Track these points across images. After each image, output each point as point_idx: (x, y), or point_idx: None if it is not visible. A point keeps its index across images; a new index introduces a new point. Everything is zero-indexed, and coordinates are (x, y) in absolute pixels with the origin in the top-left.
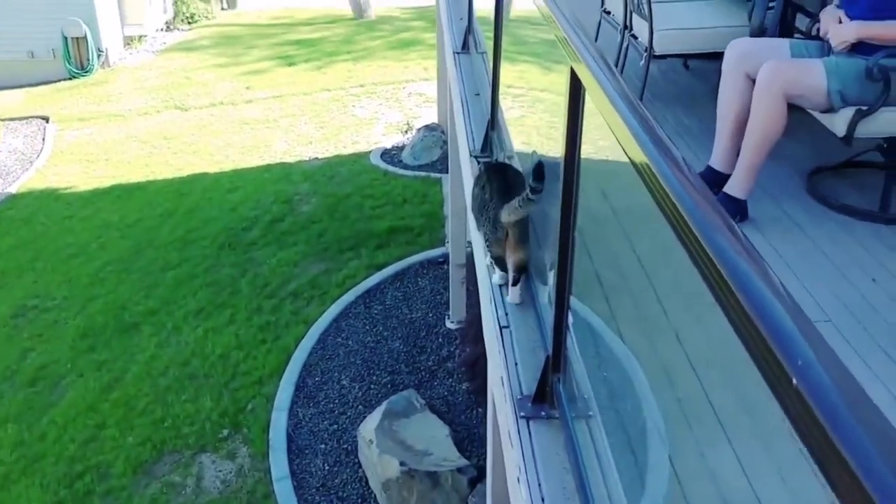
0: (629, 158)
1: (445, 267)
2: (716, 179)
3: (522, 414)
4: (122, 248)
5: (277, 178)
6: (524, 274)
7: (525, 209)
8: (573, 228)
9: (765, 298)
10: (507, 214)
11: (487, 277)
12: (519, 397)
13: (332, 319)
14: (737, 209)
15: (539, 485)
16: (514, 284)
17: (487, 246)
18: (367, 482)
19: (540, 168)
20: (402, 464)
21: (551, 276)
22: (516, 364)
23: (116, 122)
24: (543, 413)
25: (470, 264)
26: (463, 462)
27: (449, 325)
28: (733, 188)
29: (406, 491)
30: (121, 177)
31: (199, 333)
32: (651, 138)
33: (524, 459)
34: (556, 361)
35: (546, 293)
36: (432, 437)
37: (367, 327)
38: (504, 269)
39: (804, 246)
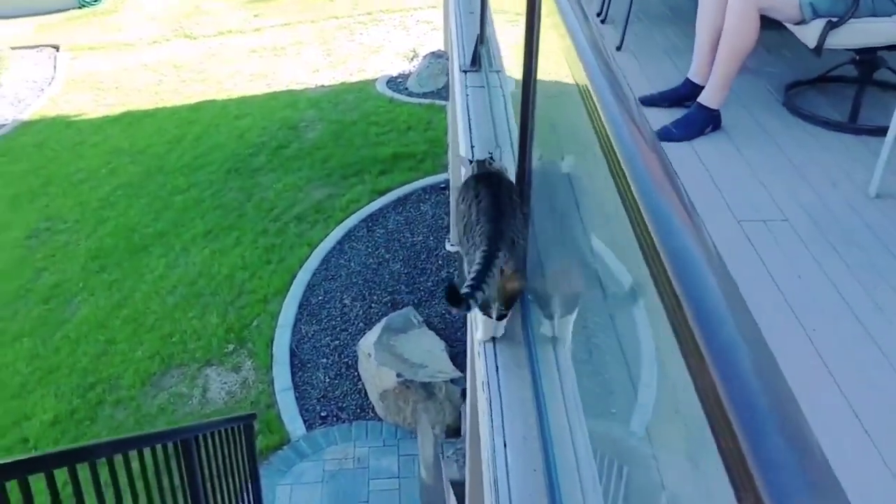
0: (573, 77)
1: (447, 192)
2: (693, 91)
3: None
4: (131, 174)
5: (284, 105)
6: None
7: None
8: (529, 150)
9: (672, 224)
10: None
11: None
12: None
13: (335, 242)
14: (710, 118)
15: (500, 395)
16: (500, 319)
17: (472, 286)
18: (365, 393)
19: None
20: (398, 375)
21: (559, 312)
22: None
23: (126, 50)
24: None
25: None
26: (457, 374)
27: (449, 248)
28: (706, 98)
29: (402, 400)
30: (130, 104)
31: (207, 254)
32: (596, 57)
33: (487, 372)
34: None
35: (550, 327)
36: (428, 352)
37: (370, 250)
38: (489, 312)
39: (770, 151)
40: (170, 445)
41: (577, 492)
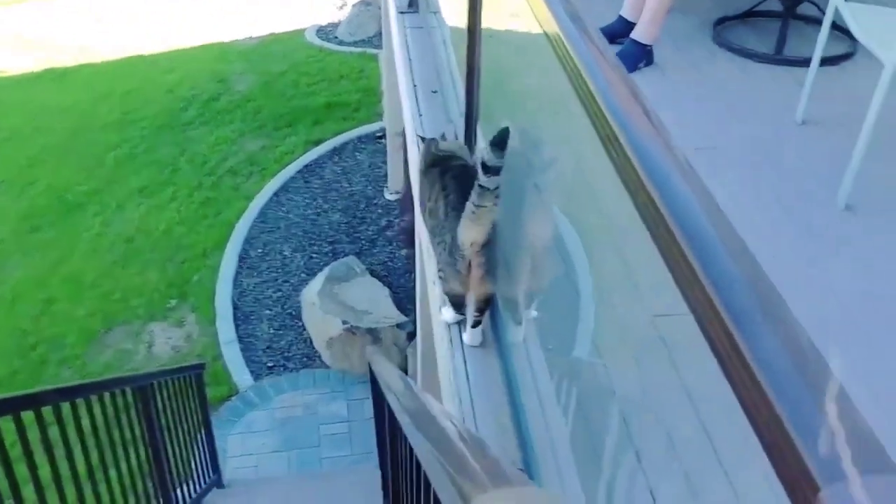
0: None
1: (383, 141)
2: (626, 28)
3: None
4: (59, 131)
5: (213, 57)
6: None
7: (486, 211)
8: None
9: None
10: (466, 230)
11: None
12: None
13: (272, 194)
14: (642, 54)
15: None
16: (475, 326)
17: (441, 278)
18: (311, 342)
19: (502, 136)
20: (344, 322)
21: (529, 313)
22: None
23: (45, 2)
24: None
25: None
26: (402, 318)
27: (388, 196)
28: (639, 34)
29: (349, 346)
30: (53, 60)
31: (143, 211)
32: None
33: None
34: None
35: (519, 332)
36: (372, 299)
37: (307, 201)
38: (461, 309)
39: (702, 83)
40: (128, 391)
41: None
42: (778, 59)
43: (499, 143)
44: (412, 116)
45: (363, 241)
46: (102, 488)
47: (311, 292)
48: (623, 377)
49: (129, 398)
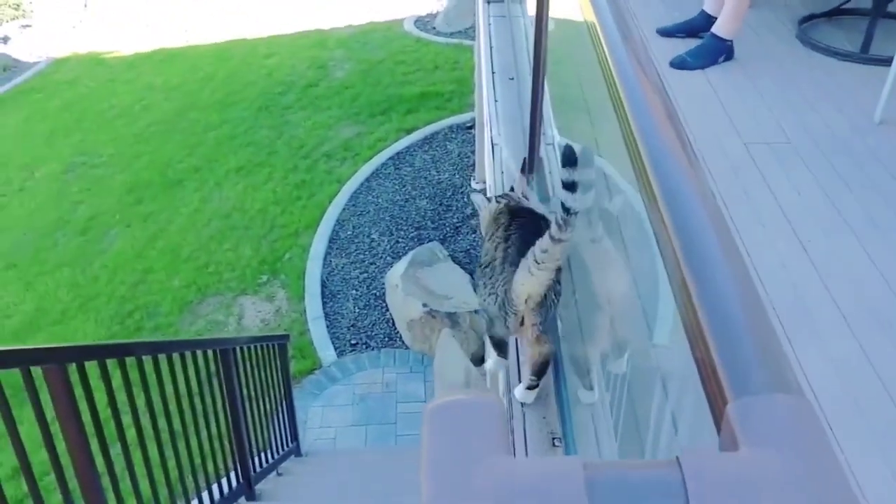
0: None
1: (472, 131)
2: (708, 22)
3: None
4: (164, 110)
5: (312, 44)
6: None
7: (550, 261)
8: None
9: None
10: (523, 282)
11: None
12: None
13: (363, 179)
14: (723, 48)
15: None
16: (531, 388)
17: (485, 320)
18: (393, 323)
19: (568, 155)
20: (424, 305)
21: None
22: (502, 172)
23: None
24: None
25: None
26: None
27: (474, 185)
28: (720, 28)
29: (428, 329)
30: (162, 41)
31: (240, 189)
32: None
33: None
34: (530, 164)
35: (590, 396)
36: (453, 284)
37: (397, 187)
38: (503, 349)
39: (780, 80)
40: (210, 353)
41: None
42: (863, 57)
43: (568, 160)
44: (488, 102)
45: (447, 228)
46: (184, 450)
47: (395, 275)
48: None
49: (211, 361)
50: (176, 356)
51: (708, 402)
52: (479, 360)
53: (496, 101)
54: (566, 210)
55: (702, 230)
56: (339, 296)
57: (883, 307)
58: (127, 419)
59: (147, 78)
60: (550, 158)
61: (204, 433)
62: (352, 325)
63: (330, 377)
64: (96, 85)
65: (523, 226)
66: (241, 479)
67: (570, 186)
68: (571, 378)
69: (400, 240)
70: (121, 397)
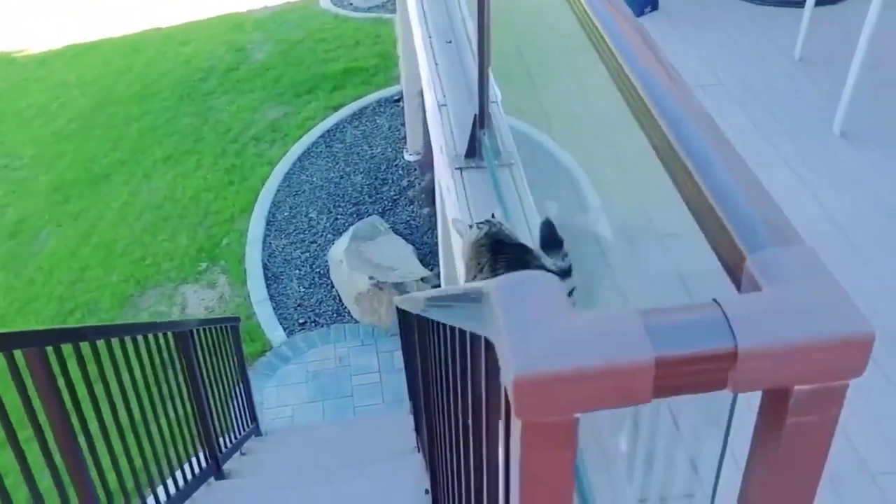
0: None
1: (401, 104)
2: None
3: (457, 166)
4: (82, 106)
5: (229, 28)
6: None
7: None
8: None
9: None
10: None
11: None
12: (453, 155)
13: (295, 159)
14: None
15: (470, 212)
16: None
17: None
18: (340, 299)
19: (547, 233)
20: (370, 278)
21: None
22: (452, 132)
23: None
24: (473, 164)
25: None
26: (426, 273)
27: (408, 157)
28: None
29: (376, 301)
30: (71, 37)
31: (169, 179)
32: None
33: (458, 198)
34: (482, 118)
35: None
36: (397, 255)
37: (330, 164)
38: None
39: (706, 26)
40: (169, 335)
41: None
42: (780, 0)
43: (549, 242)
44: (429, 66)
45: (386, 202)
46: (156, 432)
47: (338, 251)
48: None
49: (171, 344)
50: (139, 339)
51: (723, 263)
52: None
53: (437, 64)
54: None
55: (692, 126)
56: (282, 277)
57: (817, 224)
58: (87, 408)
59: (60, 75)
60: (496, 114)
61: (172, 415)
62: (298, 305)
63: (281, 357)
64: (8, 85)
65: (510, 264)
66: (209, 460)
67: (560, 275)
68: None
69: (339, 216)
70: (81, 391)
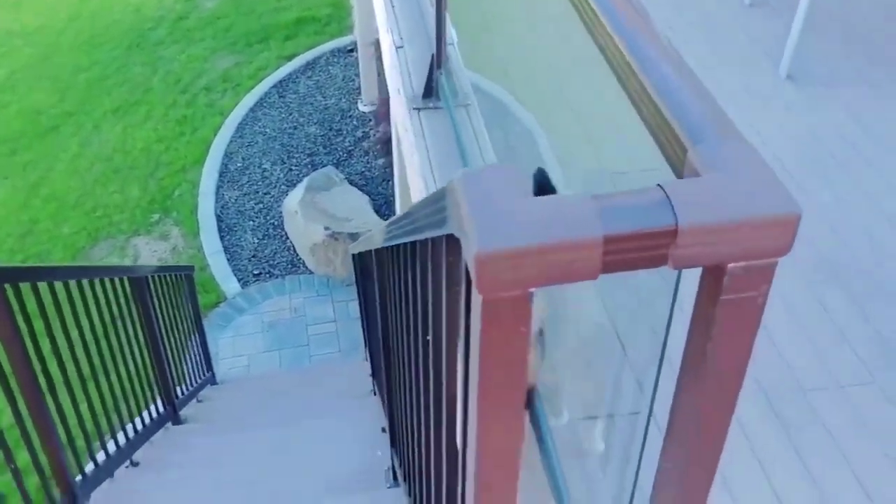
0: None
1: (355, 54)
2: None
3: (414, 106)
4: (27, 56)
5: None
6: None
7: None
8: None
9: None
10: None
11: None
12: (411, 96)
13: (247, 109)
14: None
15: (427, 152)
16: None
17: None
18: (294, 250)
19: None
20: (326, 228)
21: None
22: (409, 74)
23: None
24: (431, 105)
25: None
26: (382, 223)
27: (362, 108)
28: None
29: (331, 252)
30: None
31: (119, 130)
32: None
33: (415, 137)
34: (439, 59)
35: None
36: (352, 206)
37: (283, 115)
38: None
39: None
40: (125, 280)
41: None
42: None
43: (542, 192)
44: (386, 9)
45: (340, 153)
46: (112, 380)
47: (293, 202)
48: None
49: (127, 290)
50: (96, 283)
51: (665, 155)
52: None
53: (393, 6)
54: None
55: (639, 28)
56: (236, 228)
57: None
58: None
59: (2, 24)
60: (452, 56)
61: (130, 363)
62: (253, 256)
63: (236, 308)
64: None
65: None
66: (166, 406)
67: None
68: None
69: (293, 167)
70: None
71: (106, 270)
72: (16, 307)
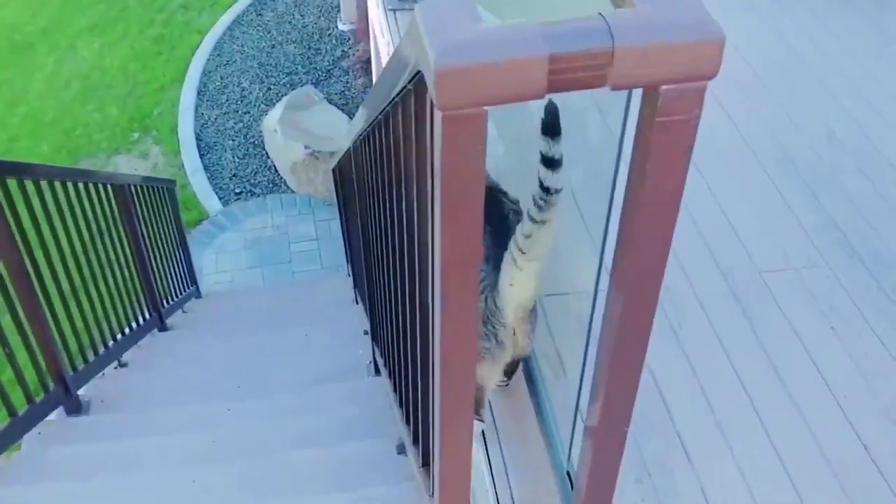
0: None
1: None
2: None
3: (390, 7)
4: None
5: None
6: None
7: (538, 250)
8: None
9: None
10: (512, 287)
11: None
12: None
13: (225, 28)
14: None
15: None
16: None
17: None
18: (275, 169)
19: (551, 117)
20: (306, 147)
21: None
22: None
23: None
24: (407, 6)
25: None
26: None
27: (341, 27)
28: None
29: (312, 171)
30: None
31: (96, 49)
32: None
33: (391, 40)
34: None
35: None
36: (332, 125)
37: (261, 33)
38: (477, 410)
39: None
40: (109, 188)
41: None
42: None
43: (550, 127)
44: None
45: (320, 72)
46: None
47: (272, 120)
48: None
49: (111, 198)
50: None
51: None
52: None
53: None
54: (545, 189)
55: None
56: (216, 147)
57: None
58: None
59: None
60: None
61: (117, 273)
62: (233, 175)
63: (219, 226)
64: None
65: (490, 219)
66: (151, 314)
67: (550, 163)
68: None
69: (272, 86)
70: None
71: (90, 174)
72: (3, 202)
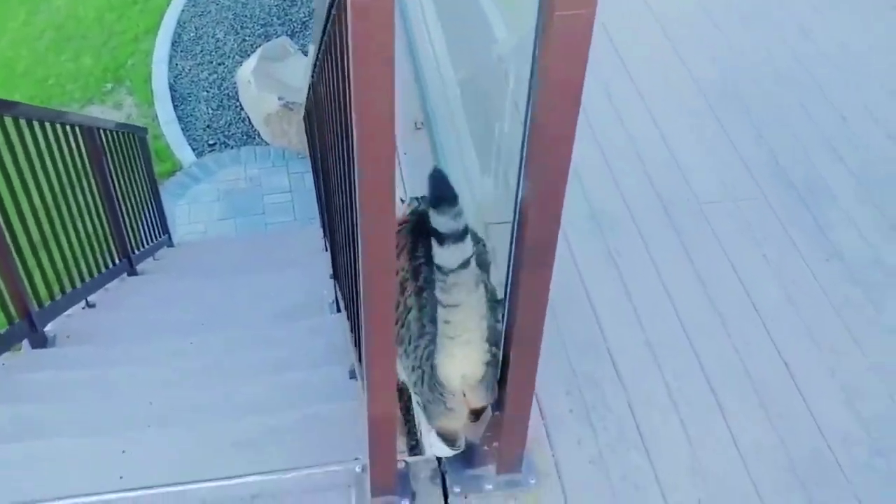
0: None
1: None
2: None
3: None
4: None
5: None
6: None
7: (467, 324)
8: None
9: None
10: (447, 359)
11: None
12: None
13: None
14: None
15: None
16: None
17: (423, 408)
18: (249, 121)
19: (438, 185)
20: (280, 98)
21: None
22: None
23: None
24: None
25: None
26: None
27: None
28: None
29: (286, 123)
30: None
31: None
32: None
33: None
34: None
35: None
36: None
37: None
38: (455, 443)
39: None
40: (78, 130)
41: None
42: None
43: (439, 197)
44: None
45: (295, 24)
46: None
47: (246, 71)
48: None
49: (80, 142)
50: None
51: None
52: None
53: None
54: (439, 269)
55: None
56: (190, 98)
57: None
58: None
59: None
60: None
61: (87, 220)
62: (207, 127)
63: (192, 177)
64: None
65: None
66: (121, 259)
67: (443, 238)
68: None
69: (247, 38)
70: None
71: (63, 115)
72: None
